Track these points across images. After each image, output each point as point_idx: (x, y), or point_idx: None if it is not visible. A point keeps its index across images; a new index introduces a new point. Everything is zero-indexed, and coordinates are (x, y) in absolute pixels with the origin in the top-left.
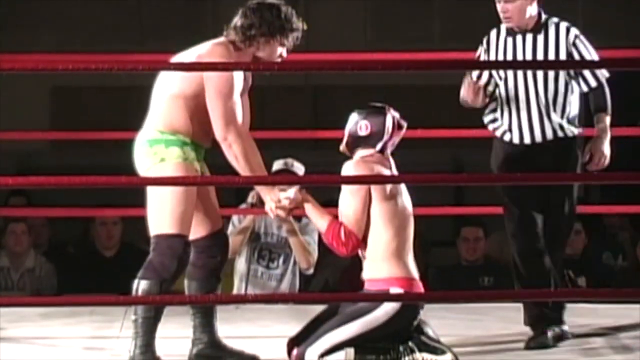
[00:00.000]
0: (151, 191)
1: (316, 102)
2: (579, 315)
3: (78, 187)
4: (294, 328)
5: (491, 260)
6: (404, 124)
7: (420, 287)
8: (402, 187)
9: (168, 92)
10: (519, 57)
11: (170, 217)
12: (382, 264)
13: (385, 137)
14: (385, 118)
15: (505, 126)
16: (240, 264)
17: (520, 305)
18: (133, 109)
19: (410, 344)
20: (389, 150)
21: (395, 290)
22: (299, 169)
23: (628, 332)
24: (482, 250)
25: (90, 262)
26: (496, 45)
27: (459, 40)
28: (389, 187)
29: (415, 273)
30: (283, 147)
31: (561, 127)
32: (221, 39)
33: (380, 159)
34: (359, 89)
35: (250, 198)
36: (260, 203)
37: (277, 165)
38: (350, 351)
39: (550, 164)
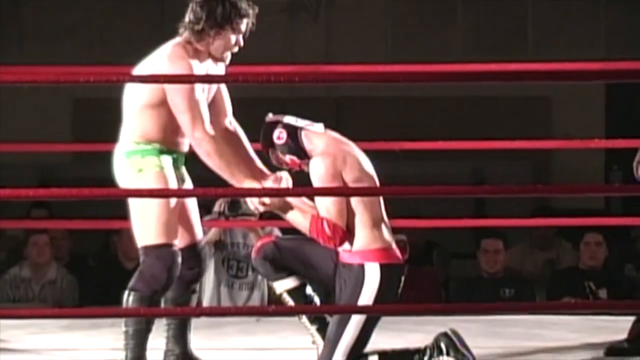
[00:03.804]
0: (133, 202)
1: (339, 113)
2: (600, 327)
3: (99, 199)
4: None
5: (512, 272)
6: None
7: (396, 255)
8: (365, 157)
9: (137, 103)
10: None
11: (156, 226)
12: (355, 236)
13: (296, 125)
14: (278, 123)
15: None
16: (209, 276)
17: (542, 318)
18: None
19: (441, 344)
20: (310, 125)
21: (371, 264)
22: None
23: None
24: (502, 262)
25: (111, 274)
26: None
27: (480, 52)
28: (359, 167)
29: (391, 241)
30: None
31: None
32: (177, 39)
33: (324, 136)
34: (381, 101)
35: (217, 207)
36: (228, 211)
37: None
38: (374, 358)
39: None
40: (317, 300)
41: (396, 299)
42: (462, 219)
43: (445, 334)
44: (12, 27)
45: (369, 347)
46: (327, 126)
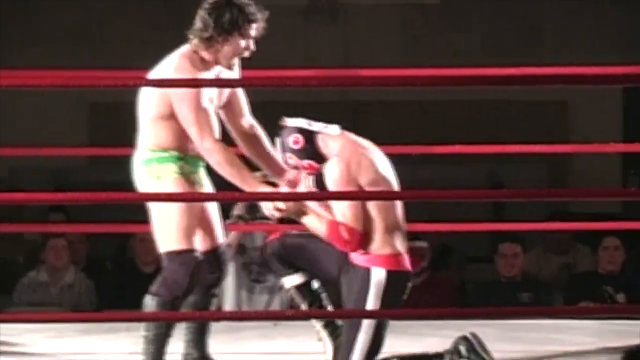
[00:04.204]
0: (154, 209)
1: (354, 117)
2: (618, 331)
3: (116, 203)
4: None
5: (529, 276)
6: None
7: (404, 262)
8: (384, 159)
9: (149, 114)
10: None
11: (177, 232)
12: (367, 239)
13: (312, 129)
14: (293, 128)
15: None
16: (230, 280)
17: (559, 322)
18: None
19: (461, 348)
20: (325, 127)
21: (377, 269)
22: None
23: None
24: (520, 266)
25: (128, 278)
26: None
27: (497, 54)
28: (374, 169)
29: (401, 247)
30: None
31: None
32: (185, 47)
33: (339, 138)
34: (397, 104)
35: (236, 210)
36: (247, 214)
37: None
38: None
39: None
40: (324, 295)
41: (400, 306)
42: (479, 223)
43: (465, 338)
44: (12, 27)
45: (387, 352)
46: (343, 129)
